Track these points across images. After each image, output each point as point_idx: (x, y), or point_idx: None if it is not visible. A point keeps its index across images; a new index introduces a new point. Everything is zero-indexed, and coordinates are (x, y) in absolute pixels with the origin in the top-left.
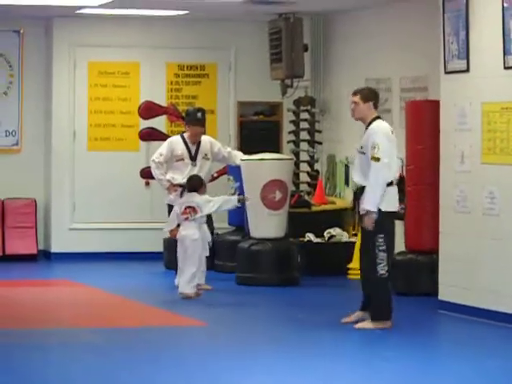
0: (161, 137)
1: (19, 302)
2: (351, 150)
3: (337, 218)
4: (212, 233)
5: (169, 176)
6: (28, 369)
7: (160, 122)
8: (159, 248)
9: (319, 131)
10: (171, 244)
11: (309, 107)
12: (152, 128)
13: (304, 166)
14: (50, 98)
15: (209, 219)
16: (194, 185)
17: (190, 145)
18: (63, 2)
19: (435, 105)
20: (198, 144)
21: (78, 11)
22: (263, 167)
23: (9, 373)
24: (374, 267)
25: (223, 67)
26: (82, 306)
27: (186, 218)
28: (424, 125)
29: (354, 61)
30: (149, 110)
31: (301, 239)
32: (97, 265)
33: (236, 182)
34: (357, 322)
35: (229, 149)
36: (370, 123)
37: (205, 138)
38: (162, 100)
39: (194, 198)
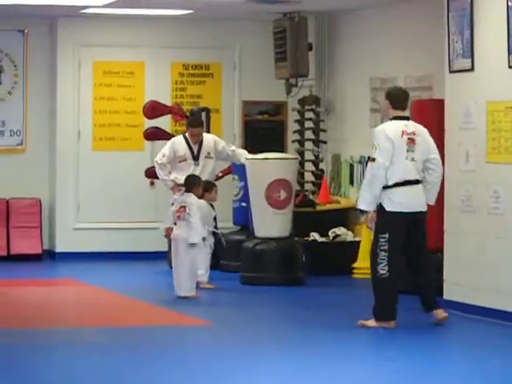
0: (165, 136)
1: (24, 301)
2: (356, 149)
3: (342, 217)
4: (215, 233)
5: (173, 176)
6: (32, 368)
7: (165, 122)
8: (164, 247)
9: (324, 130)
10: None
11: (313, 106)
12: (157, 128)
13: (309, 166)
14: (54, 97)
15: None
16: (188, 185)
17: (192, 144)
18: (68, 2)
19: (440, 104)
20: (201, 143)
21: (82, 11)
22: (268, 166)
23: (13, 372)
24: (375, 267)
25: (228, 66)
26: (86, 306)
27: (179, 217)
28: (429, 124)
29: (358, 60)
30: (153, 109)
31: (305, 238)
32: (101, 264)
33: (241, 181)
34: None
35: (233, 147)
36: None
37: (208, 137)
38: (166, 99)
39: (188, 198)
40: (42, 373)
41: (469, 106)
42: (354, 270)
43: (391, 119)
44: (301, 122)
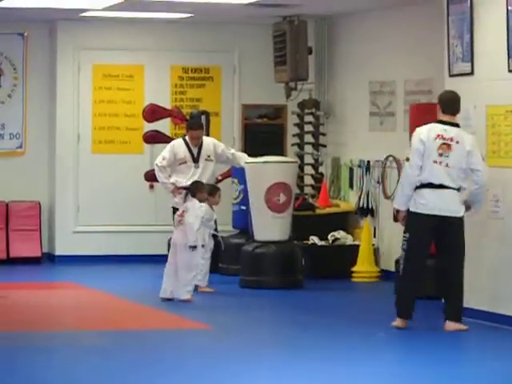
0: (165, 139)
1: (23, 304)
2: (356, 152)
3: (341, 220)
4: (215, 236)
5: (173, 179)
6: (32, 371)
7: (164, 125)
8: (163, 251)
9: (323, 134)
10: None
11: (313, 110)
12: (156, 131)
13: (308, 169)
14: (54, 100)
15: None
16: (192, 190)
17: (192, 147)
18: (67, 5)
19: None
20: (200, 146)
21: (82, 14)
22: (267, 170)
23: (13, 375)
24: (398, 264)
25: (227, 70)
26: (85, 309)
27: (180, 221)
28: None
29: (358, 63)
30: (153, 112)
31: (305, 242)
32: (101, 267)
33: (240, 184)
34: None
35: (232, 150)
36: None
37: (208, 140)
38: (166, 103)
39: (189, 203)
40: (41, 376)
41: (468, 109)
42: (354, 274)
43: (436, 122)
44: (300, 126)
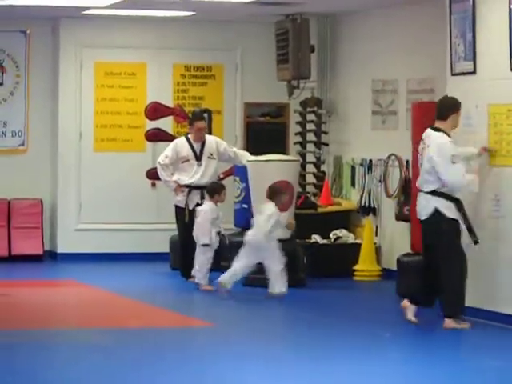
0: (167, 138)
1: (25, 302)
2: (358, 151)
3: (343, 219)
4: (219, 233)
5: (175, 177)
6: (34, 369)
7: (166, 123)
8: (165, 249)
9: (326, 132)
10: (177, 245)
11: (315, 108)
12: (158, 129)
13: (310, 168)
14: (56, 98)
15: None
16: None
17: (194, 145)
18: (70, 3)
19: None
20: (203, 144)
21: (84, 12)
22: (269, 168)
23: (15, 373)
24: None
25: (230, 68)
26: (87, 307)
27: None
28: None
29: (360, 62)
30: (155, 110)
31: (307, 240)
32: (103, 265)
33: (242, 182)
34: None
35: (235, 149)
36: None
37: (210, 138)
38: (168, 101)
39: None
40: (43, 373)
41: (470, 108)
42: (355, 273)
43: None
44: (302, 124)
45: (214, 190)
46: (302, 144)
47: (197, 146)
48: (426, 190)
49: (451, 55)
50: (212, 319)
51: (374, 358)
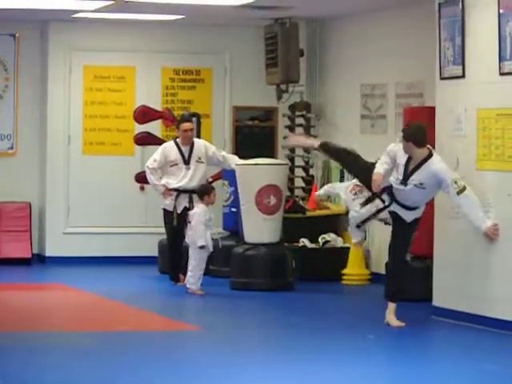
0: (156, 141)
1: (13, 305)
2: None
3: (331, 223)
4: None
5: (164, 181)
6: (22, 372)
7: (155, 127)
8: (154, 252)
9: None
10: (166, 248)
11: (304, 112)
12: (147, 132)
13: (299, 171)
14: (45, 101)
15: None
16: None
17: (183, 149)
18: (59, 6)
19: (432, 111)
20: (192, 148)
21: (73, 15)
22: (258, 172)
23: (4, 376)
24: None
25: (219, 72)
26: (76, 310)
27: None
28: None
29: (349, 66)
30: (144, 114)
31: (295, 244)
32: (91, 269)
33: (231, 186)
34: None
35: (223, 152)
36: None
37: (199, 142)
38: (157, 105)
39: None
40: (31, 376)
41: (459, 113)
42: (344, 277)
43: None
44: (291, 128)
45: (203, 192)
46: (291, 148)
47: (185, 149)
48: None
49: (440, 59)
50: (200, 323)
51: (362, 360)
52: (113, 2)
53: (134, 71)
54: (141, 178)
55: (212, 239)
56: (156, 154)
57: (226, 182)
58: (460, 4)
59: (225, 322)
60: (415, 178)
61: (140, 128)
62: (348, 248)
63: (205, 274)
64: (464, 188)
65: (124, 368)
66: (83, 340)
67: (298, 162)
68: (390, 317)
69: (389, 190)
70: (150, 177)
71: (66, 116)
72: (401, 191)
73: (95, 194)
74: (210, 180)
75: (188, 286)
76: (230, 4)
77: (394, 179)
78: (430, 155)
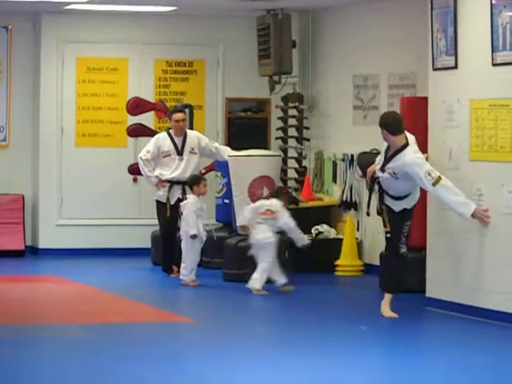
0: (149, 133)
1: (7, 298)
2: (339, 146)
3: (324, 214)
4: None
5: (157, 172)
6: (16, 364)
7: (148, 118)
8: (147, 244)
9: (307, 128)
10: (159, 240)
11: (297, 104)
12: (140, 124)
13: (292, 163)
14: (38, 93)
15: None
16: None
17: (176, 140)
18: None
19: (426, 101)
20: (184, 139)
21: (66, 7)
22: (251, 163)
23: None
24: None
25: (211, 63)
26: (69, 302)
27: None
28: (414, 121)
29: (342, 57)
30: (137, 106)
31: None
32: (84, 261)
33: (224, 178)
34: None
35: (216, 144)
36: None
37: (191, 133)
38: (150, 96)
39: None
40: (25, 368)
41: (452, 103)
42: (337, 268)
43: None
44: (284, 120)
45: (192, 182)
46: (284, 139)
47: (178, 140)
48: None
49: (433, 50)
50: (194, 315)
51: (355, 352)
52: None
53: (126, 63)
54: (134, 170)
55: (206, 230)
56: (149, 145)
57: (219, 174)
58: None
59: (218, 314)
60: (390, 167)
61: (133, 120)
62: (341, 239)
63: (198, 266)
64: (439, 178)
65: (117, 360)
66: (76, 332)
67: (291, 153)
68: (384, 308)
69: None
70: (143, 168)
71: (59, 108)
72: (383, 180)
73: (88, 185)
74: (203, 171)
75: (181, 277)
76: None
77: (378, 166)
78: (406, 145)
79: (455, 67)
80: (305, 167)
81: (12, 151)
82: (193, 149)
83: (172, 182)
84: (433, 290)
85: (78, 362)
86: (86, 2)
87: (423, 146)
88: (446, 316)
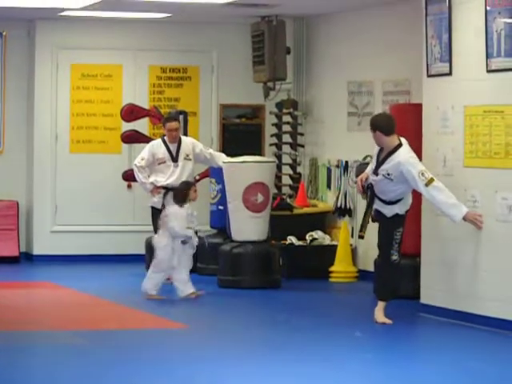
0: (143, 139)
1: (0, 304)
2: (333, 153)
3: (319, 221)
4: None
5: (152, 179)
6: (10, 370)
7: (142, 125)
8: (141, 250)
9: (301, 134)
10: (153, 246)
11: (291, 110)
12: (134, 130)
13: (286, 169)
14: (32, 100)
15: None
16: (175, 194)
17: (170, 146)
18: (46, 4)
19: (419, 108)
20: (179, 145)
21: (61, 13)
22: (245, 170)
23: None
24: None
25: (206, 70)
26: (64, 309)
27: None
28: (408, 128)
29: (336, 64)
30: (131, 112)
31: (283, 242)
32: (79, 267)
33: (218, 184)
34: None
35: (211, 150)
36: None
37: (186, 139)
38: (144, 102)
39: (169, 208)
40: (19, 375)
41: (446, 110)
42: (331, 274)
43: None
44: (278, 126)
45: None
46: (278, 145)
47: (173, 147)
48: None
49: (427, 56)
50: (187, 321)
51: (349, 358)
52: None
53: (120, 69)
54: (128, 176)
55: (198, 237)
56: (143, 152)
57: (214, 180)
58: (447, 1)
59: (212, 320)
60: (384, 168)
61: (127, 126)
62: (335, 245)
63: (192, 272)
64: (432, 179)
65: (111, 366)
66: (70, 338)
67: (286, 159)
68: (378, 314)
69: (371, 185)
70: (137, 175)
71: (53, 114)
72: (376, 183)
73: (82, 192)
74: (198, 178)
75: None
76: (217, 2)
77: (371, 171)
78: (400, 145)
79: (449, 74)
80: (299, 173)
81: (6, 157)
82: (187, 155)
83: (167, 189)
84: (427, 296)
85: (72, 368)
86: (81, 9)
87: (415, 153)
88: (440, 322)
